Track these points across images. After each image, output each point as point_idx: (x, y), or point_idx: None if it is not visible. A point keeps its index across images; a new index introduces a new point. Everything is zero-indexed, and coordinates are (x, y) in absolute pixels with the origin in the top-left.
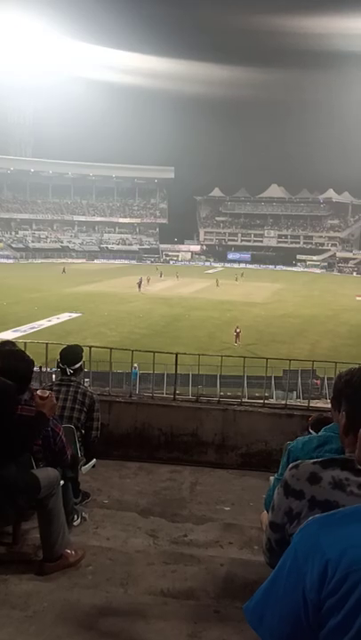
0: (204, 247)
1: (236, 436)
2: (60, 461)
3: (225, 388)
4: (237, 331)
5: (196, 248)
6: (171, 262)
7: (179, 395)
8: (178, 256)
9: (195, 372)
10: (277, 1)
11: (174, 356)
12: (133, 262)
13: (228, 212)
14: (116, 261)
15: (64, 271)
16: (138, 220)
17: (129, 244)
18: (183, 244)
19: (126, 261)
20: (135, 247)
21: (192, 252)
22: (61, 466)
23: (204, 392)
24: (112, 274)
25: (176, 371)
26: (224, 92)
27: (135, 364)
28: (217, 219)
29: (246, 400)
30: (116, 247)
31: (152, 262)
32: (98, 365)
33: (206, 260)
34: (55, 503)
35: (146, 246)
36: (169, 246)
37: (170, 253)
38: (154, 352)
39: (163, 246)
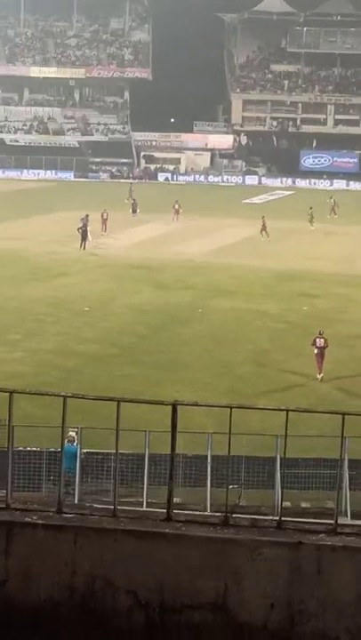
0: (242, 139)
1: (324, 613)
2: None
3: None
4: (320, 344)
5: (223, 140)
6: (160, 178)
7: (179, 506)
8: (178, 162)
9: (220, 448)
10: None
11: (170, 408)
12: (68, 177)
13: (304, 53)
14: (26, 175)
15: None
16: (77, 72)
17: (56, 133)
18: (191, 131)
19: (53, 175)
20: (71, 138)
21: (214, 150)
22: None
23: (241, 500)
24: (21, 205)
25: (173, 444)
26: None
27: (73, 431)
28: (276, 68)
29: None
30: (26, 138)
31: (114, 178)
32: None
33: (248, 172)
34: None
35: (100, 137)
36: (155, 137)
37: (156, 155)
38: (118, 400)
39: (138, 136)
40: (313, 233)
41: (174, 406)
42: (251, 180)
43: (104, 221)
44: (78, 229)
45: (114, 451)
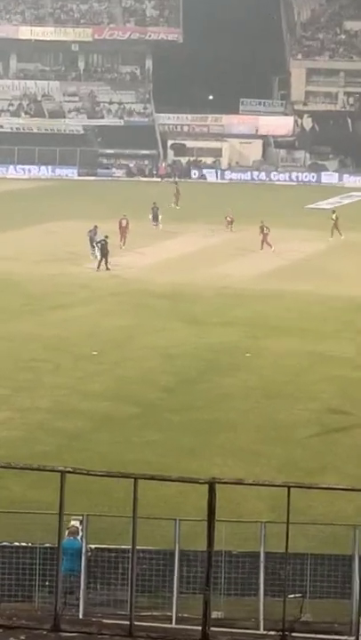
0: (306, 122)
1: None
2: None
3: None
4: None
5: (280, 124)
6: (194, 175)
7: (220, 622)
8: (218, 154)
9: (276, 542)
10: None
11: (206, 487)
12: (71, 175)
13: None
14: (14, 172)
15: None
16: (82, 33)
17: (54, 116)
18: (236, 112)
19: (50, 172)
20: (75, 123)
21: (267, 137)
22: None
23: (305, 613)
24: (7, 213)
25: (211, 537)
26: None
27: (76, 520)
28: (351, 26)
29: None
30: (12, 122)
31: (131, 175)
32: None
33: (315, 166)
34: None
35: (113, 121)
36: (187, 120)
37: (189, 145)
38: (135, 477)
39: (165, 119)
40: None
41: (212, 485)
42: (318, 177)
43: (123, 231)
44: (96, 243)
45: (131, 546)
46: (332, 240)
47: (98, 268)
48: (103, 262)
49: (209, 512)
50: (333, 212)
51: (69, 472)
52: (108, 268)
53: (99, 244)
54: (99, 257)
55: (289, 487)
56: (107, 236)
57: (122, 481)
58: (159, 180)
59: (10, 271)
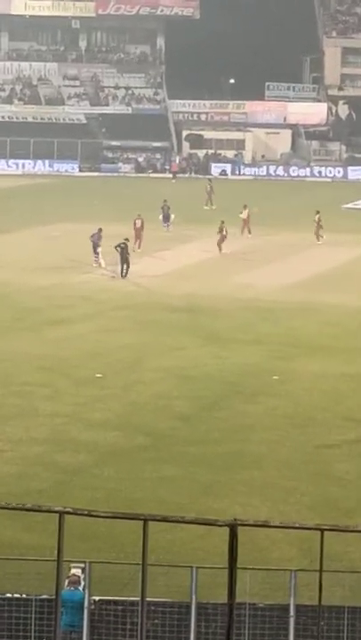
0: (342, 109)
1: None
2: None
3: None
4: None
5: (312, 112)
6: (213, 171)
7: None
8: (241, 146)
9: (309, 593)
10: None
11: (227, 531)
12: (71, 171)
13: None
14: (5, 167)
15: None
16: (83, 7)
17: (52, 102)
18: (262, 98)
19: (47, 167)
20: (76, 110)
21: (297, 127)
22: None
23: None
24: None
25: (232, 588)
26: None
27: (77, 568)
28: None
29: None
30: (4, 111)
31: (141, 171)
32: None
33: (352, 160)
34: None
35: (120, 108)
36: (204, 107)
37: (207, 136)
38: (145, 519)
39: (179, 106)
40: None
41: (233, 528)
42: (356, 172)
43: (137, 233)
44: (116, 247)
45: (140, 598)
46: None
47: (121, 274)
48: (125, 268)
49: (230, 558)
50: None
51: (69, 513)
52: (124, 276)
53: (118, 248)
54: (119, 263)
55: (322, 530)
56: (127, 239)
57: (130, 523)
58: (171, 176)
59: (1, 281)
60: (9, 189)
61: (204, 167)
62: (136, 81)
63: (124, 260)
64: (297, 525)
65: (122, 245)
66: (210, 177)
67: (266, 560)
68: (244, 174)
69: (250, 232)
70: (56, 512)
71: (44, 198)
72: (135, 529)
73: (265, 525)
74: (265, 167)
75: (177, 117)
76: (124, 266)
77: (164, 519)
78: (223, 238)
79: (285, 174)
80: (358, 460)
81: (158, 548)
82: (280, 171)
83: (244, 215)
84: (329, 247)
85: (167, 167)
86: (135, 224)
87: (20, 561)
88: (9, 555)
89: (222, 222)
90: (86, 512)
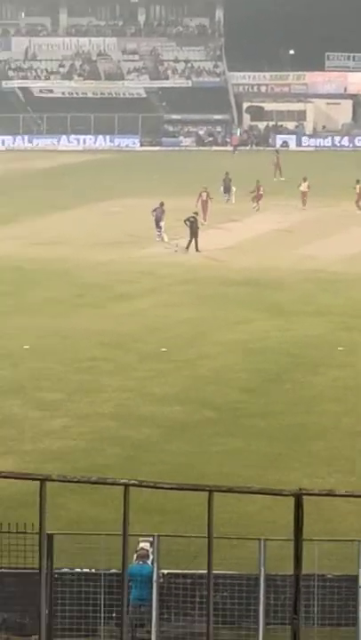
0: None
1: None
2: None
3: None
4: None
5: None
6: (275, 142)
7: None
8: (302, 117)
9: None
10: None
11: (292, 500)
12: (132, 145)
13: None
14: (66, 143)
15: None
16: None
17: (112, 77)
18: (322, 68)
19: (108, 142)
20: (135, 85)
21: (359, 96)
22: None
23: None
24: (59, 191)
25: (299, 558)
26: None
27: (145, 542)
28: None
29: None
30: (64, 86)
31: (202, 144)
32: None
33: None
34: None
35: (180, 82)
36: (265, 79)
37: (268, 108)
38: (210, 490)
39: (239, 79)
40: None
41: (298, 498)
42: None
43: (204, 206)
44: (185, 221)
45: (207, 571)
46: None
47: (187, 248)
48: (193, 242)
49: (296, 528)
50: None
51: (134, 485)
52: (197, 249)
53: (187, 222)
54: (189, 237)
55: None
56: (196, 213)
57: (197, 496)
58: (231, 149)
59: (62, 258)
60: (70, 165)
61: (265, 139)
62: (195, 54)
63: (194, 233)
64: None
65: (191, 219)
66: (277, 149)
67: (333, 531)
68: (305, 145)
69: (304, 204)
70: (121, 485)
71: (105, 173)
72: (202, 501)
73: (330, 494)
74: (326, 138)
75: (237, 90)
76: (193, 239)
77: (229, 490)
78: (260, 197)
79: (349, 145)
80: None
81: (226, 520)
82: (342, 141)
83: (303, 188)
84: None
85: (228, 140)
86: (201, 196)
87: (89, 536)
88: (77, 530)
89: (258, 181)
90: (152, 484)
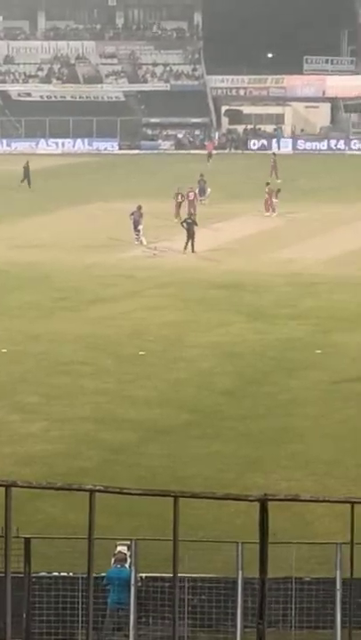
0: None
1: None
2: None
3: None
4: None
5: (351, 85)
6: (253, 146)
7: None
8: (280, 120)
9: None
10: None
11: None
12: (110, 149)
13: None
14: (45, 147)
15: None
16: None
17: (90, 81)
18: (300, 72)
19: (87, 146)
20: (114, 88)
21: (336, 100)
22: None
23: None
24: (37, 194)
25: (264, 562)
26: None
27: (123, 545)
28: None
29: None
30: (42, 90)
31: (181, 147)
32: None
33: None
34: None
35: (158, 85)
36: (243, 82)
37: (246, 111)
38: (175, 495)
39: (218, 82)
40: None
41: (263, 503)
42: None
43: (178, 207)
44: (182, 223)
45: (188, 574)
46: None
47: (185, 249)
48: (190, 244)
49: (261, 534)
50: None
51: (100, 491)
52: (193, 251)
53: (184, 224)
54: (186, 238)
55: (353, 503)
56: (192, 214)
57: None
58: (205, 152)
59: (42, 261)
60: (49, 169)
61: (243, 142)
62: (174, 57)
63: (191, 234)
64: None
65: (188, 221)
66: (274, 151)
67: (311, 534)
68: (283, 149)
69: (273, 210)
70: (87, 490)
71: (84, 177)
72: (183, 506)
73: (295, 499)
74: (304, 141)
75: (215, 93)
76: (190, 240)
77: (194, 495)
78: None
79: (325, 148)
80: None
81: (205, 523)
82: (320, 144)
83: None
84: None
85: (207, 142)
86: (176, 198)
87: (66, 539)
88: (55, 534)
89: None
90: (117, 490)
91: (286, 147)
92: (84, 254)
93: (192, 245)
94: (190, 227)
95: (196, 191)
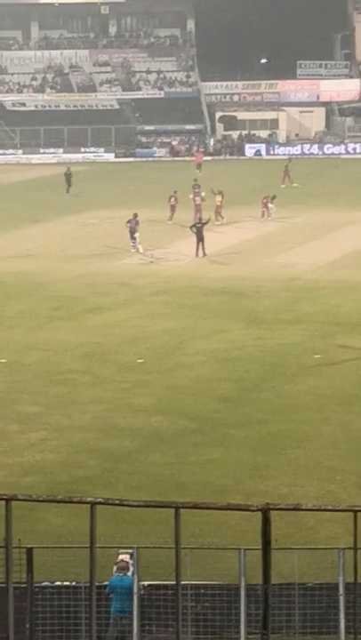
0: None
1: None
2: None
3: None
4: None
5: (345, 89)
6: (248, 152)
7: None
8: (274, 126)
9: None
10: None
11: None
12: (105, 157)
13: None
14: (39, 157)
15: None
16: None
17: (84, 90)
18: (294, 76)
19: (82, 155)
20: (108, 97)
21: (331, 104)
22: None
23: None
24: (32, 204)
25: (267, 570)
26: None
27: (125, 554)
28: None
29: None
30: (36, 100)
31: (176, 155)
32: None
33: None
34: None
35: (152, 93)
36: (237, 88)
37: (241, 117)
38: (176, 507)
39: (211, 89)
40: None
41: (266, 513)
42: None
43: (173, 209)
44: (192, 227)
45: (191, 582)
46: None
47: (197, 254)
48: (201, 248)
49: (263, 542)
50: None
51: (100, 503)
52: (205, 254)
53: (193, 229)
54: (196, 243)
55: (355, 512)
56: (201, 218)
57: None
58: (192, 158)
59: (37, 271)
60: (44, 178)
61: (238, 148)
62: (167, 65)
63: (200, 239)
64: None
65: (197, 225)
66: (289, 157)
67: (314, 539)
68: (278, 154)
69: (269, 215)
70: (87, 503)
71: (79, 186)
72: (182, 513)
73: (297, 509)
74: (299, 146)
75: (210, 99)
76: (201, 244)
77: (195, 506)
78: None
79: (320, 152)
80: None
81: (208, 530)
82: (315, 149)
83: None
84: None
85: (202, 150)
86: (170, 200)
87: (68, 549)
88: (57, 543)
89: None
90: (117, 502)
91: (281, 152)
92: (79, 263)
93: (203, 249)
94: (199, 231)
95: (190, 196)
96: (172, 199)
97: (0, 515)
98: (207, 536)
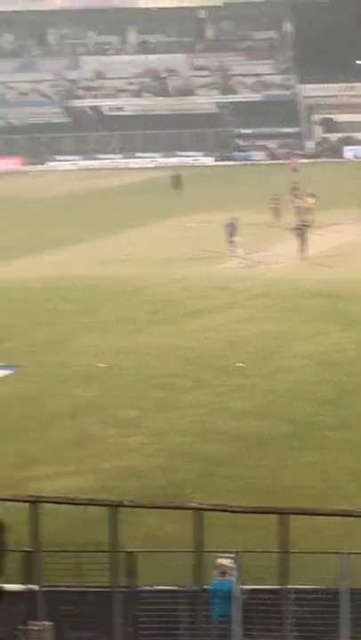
0: None
1: None
2: None
3: None
4: None
5: None
6: (347, 154)
7: None
8: None
9: None
10: None
11: None
12: (204, 161)
13: None
14: (137, 161)
15: None
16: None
17: (182, 93)
18: None
19: (180, 159)
20: (206, 101)
21: None
22: None
23: None
24: (130, 208)
25: None
26: None
27: (226, 558)
28: None
29: None
30: (134, 104)
31: (274, 158)
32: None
33: None
34: None
35: (250, 96)
36: (336, 90)
37: (340, 119)
38: (280, 512)
39: (310, 91)
40: None
41: None
42: None
43: (275, 212)
44: (292, 229)
45: (293, 586)
46: None
47: (301, 257)
48: (303, 249)
49: None
50: None
51: (205, 509)
52: (306, 257)
53: (296, 231)
54: (300, 245)
55: None
56: (305, 221)
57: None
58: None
59: (135, 275)
60: (142, 182)
61: (336, 151)
62: (265, 67)
63: (303, 241)
64: None
65: (301, 227)
66: None
67: None
68: None
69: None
70: (191, 509)
71: (177, 191)
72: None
73: None
74: None
75: (308, 102)
76: (303, 247)
77: (303, 512)
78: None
79: None
80: None
81: (311, 534)
82: None
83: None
84: None
85: (301, 152)
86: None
87: (167, 553)
88: (155, 547)
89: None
90: (222, 508)
91: None
92: (178, 267)
93: (305, 251)
94: (303, 234)
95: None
96: (275, 202)
97: (103, 518)
98: (306, 540)
